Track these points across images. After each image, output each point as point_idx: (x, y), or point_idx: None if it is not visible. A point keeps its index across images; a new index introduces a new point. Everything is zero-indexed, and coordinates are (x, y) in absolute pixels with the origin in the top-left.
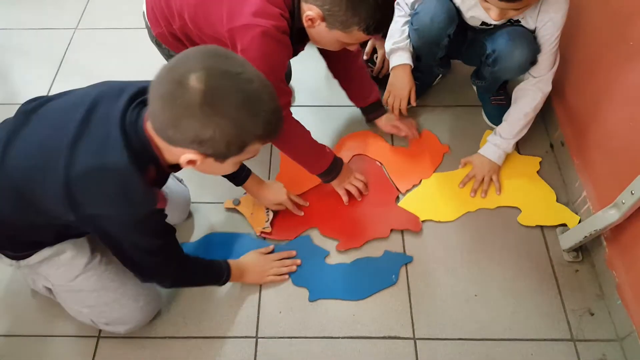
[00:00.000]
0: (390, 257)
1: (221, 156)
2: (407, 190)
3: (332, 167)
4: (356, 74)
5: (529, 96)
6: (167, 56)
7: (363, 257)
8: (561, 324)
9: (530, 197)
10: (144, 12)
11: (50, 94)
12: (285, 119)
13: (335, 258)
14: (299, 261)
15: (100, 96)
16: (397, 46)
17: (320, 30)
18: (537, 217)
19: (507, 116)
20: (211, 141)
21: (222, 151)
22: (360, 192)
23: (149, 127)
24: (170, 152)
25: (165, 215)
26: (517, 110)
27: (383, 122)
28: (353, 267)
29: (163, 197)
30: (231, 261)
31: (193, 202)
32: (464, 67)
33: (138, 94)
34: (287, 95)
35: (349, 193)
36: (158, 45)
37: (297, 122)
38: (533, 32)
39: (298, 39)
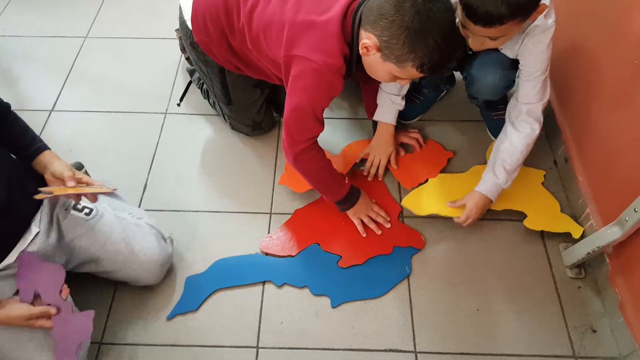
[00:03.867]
0: (400, 250)
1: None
2: (413, 188)
3: (347, 197)
4: (377, 88)
5: (528, 127)
6: (201, 60)
7: (374, 256)
8: (563, 341)
9: (535, 204)
10: (182, 14)
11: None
12: (309, 148)
13: (347, 261)
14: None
15: None
16: (391, 100)
17: (373, 60)
18: (542, 223)
19: (510, 147)
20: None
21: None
22: (378, 225)
23: None
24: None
25: None
26: (520, 141)
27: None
28: (367, 267)
29: None
30: None
31: (193, 211)
32: None
33: None
34: (317, 130)
35: (366, 226)
36: (193, 47)
37: (320, 151)
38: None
39: (357, 65)
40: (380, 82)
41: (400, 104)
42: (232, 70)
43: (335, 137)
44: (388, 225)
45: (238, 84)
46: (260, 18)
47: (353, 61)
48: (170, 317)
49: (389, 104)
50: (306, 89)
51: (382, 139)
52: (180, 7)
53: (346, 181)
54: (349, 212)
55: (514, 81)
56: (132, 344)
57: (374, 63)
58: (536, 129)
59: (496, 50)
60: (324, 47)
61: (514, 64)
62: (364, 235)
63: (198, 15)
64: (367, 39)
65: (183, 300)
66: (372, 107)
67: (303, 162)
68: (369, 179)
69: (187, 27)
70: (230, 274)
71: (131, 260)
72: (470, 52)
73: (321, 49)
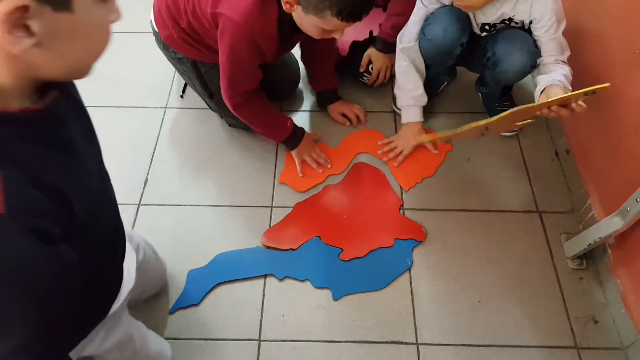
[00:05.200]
0: (401, 243)
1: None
2: (410, 188)
3: (291, 138)
4: (323, 59)
5: (566, 67)
6: (174, 59)
7: (376, 248)
8: (565, 332)
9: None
10: (151, 20)
11: None
12: (246, 100)
13: (348, 254)
14: None
15: None
16: (413, 102)
17: (298, 15)
18: None
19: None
20: None
21: None
22: (320, 165)
23: None
24: None
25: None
26: (559, 75)
27: (334, 110)
28: (368, 260)
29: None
30: None
31: (194, 206)
32: (469, 74)
33: None
34: (251, 85)
35: (305, 166)
36: (165, 49)
37: (258, 100)
38: (530, 27)
39: (293, 28)
40: (362, 71)
41: (422, 99)
42: (195, 57)
43: (336, 131)
44: (329, 166)
45: (213, 75)
46: None
47: (283, 21)
48: (172, 311)
49: (413, 104)
50: (231, 46)
51: (411, 131)
52: (150, 21)
53: (289, 124)
54: (293, 152)
55: (536, 62)
56: None
57: (300, 18)
58: (570, 70)
59: (516, 29)
60: (245, 4)
61: (536, 44)
62: (301, 175)
63: (156, 12)
64: None
65: (185, 294)
66: (315, 78)
67: (241, 112)
68: (395, 164)
69: (156, 30)
70: (231, 268)
71: (161, 272)
72: (485, 34)
73: (243, 7)
